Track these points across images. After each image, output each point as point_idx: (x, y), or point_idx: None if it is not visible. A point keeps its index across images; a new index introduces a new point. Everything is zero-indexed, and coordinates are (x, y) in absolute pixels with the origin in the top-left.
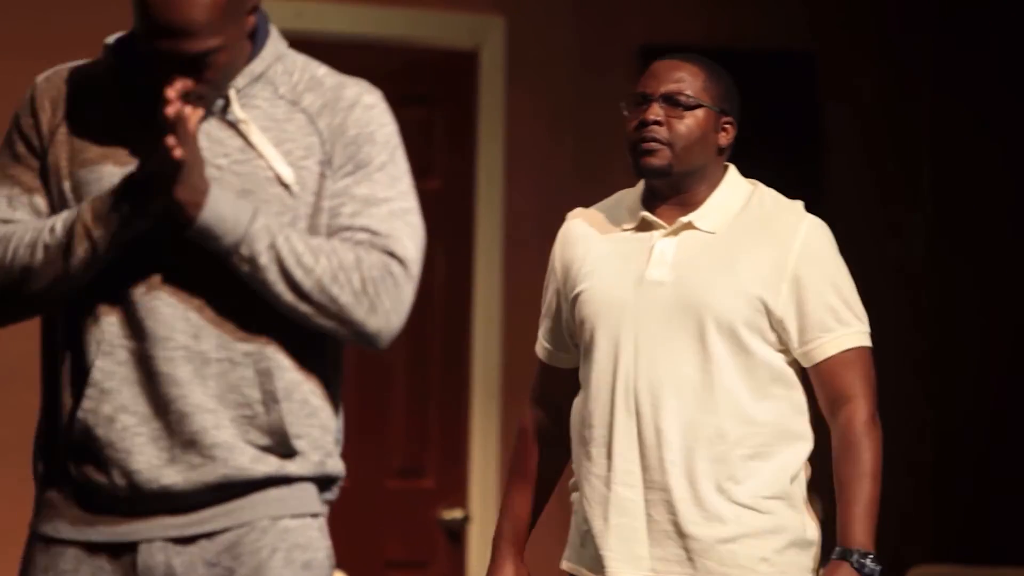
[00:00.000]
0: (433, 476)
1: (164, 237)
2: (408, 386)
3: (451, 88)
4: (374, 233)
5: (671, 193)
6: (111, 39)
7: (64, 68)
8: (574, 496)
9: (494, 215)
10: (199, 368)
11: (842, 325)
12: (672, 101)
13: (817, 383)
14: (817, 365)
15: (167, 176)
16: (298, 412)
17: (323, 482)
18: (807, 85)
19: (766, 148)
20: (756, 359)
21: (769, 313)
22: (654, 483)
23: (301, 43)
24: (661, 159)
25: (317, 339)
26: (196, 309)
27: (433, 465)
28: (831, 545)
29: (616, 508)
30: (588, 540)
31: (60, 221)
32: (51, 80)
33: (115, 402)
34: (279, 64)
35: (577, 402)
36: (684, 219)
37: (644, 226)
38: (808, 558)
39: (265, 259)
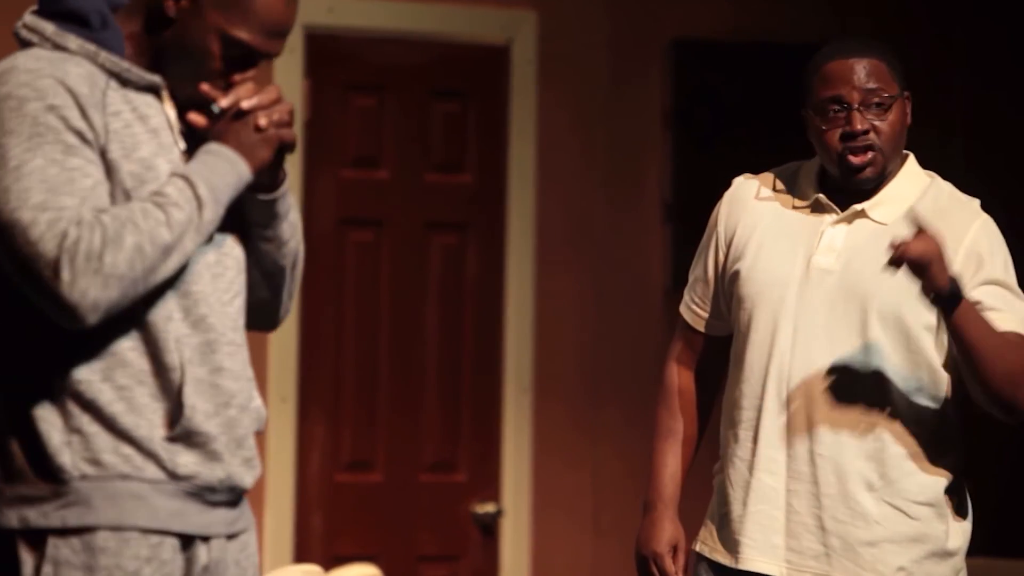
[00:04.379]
0: (465, 470)
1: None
2: (440, 380)
3: (483, 83)
4: None
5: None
6: (84, 43)
7: (79, 59)
8: (716, 480)
9: (526, 209)
10: (243, 362)
11: (1008, 308)
12: (871, 104)
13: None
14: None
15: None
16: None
17: None
18: None
19: (798, 140)
20: (918, 356)
21: (932, 309)
22: (799, 474)
23: (333, 38)
24: (876, 168)
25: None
26: (233, 300)
27: (465, 459)
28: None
29: (756, 495)
30: (726, 523)
31: (176, 193)
32: (75, 74)
33: (198, 399)
34: None
35: (730, 380)
36: (858, 207)
37: (817, 207)
38: (947, 568)
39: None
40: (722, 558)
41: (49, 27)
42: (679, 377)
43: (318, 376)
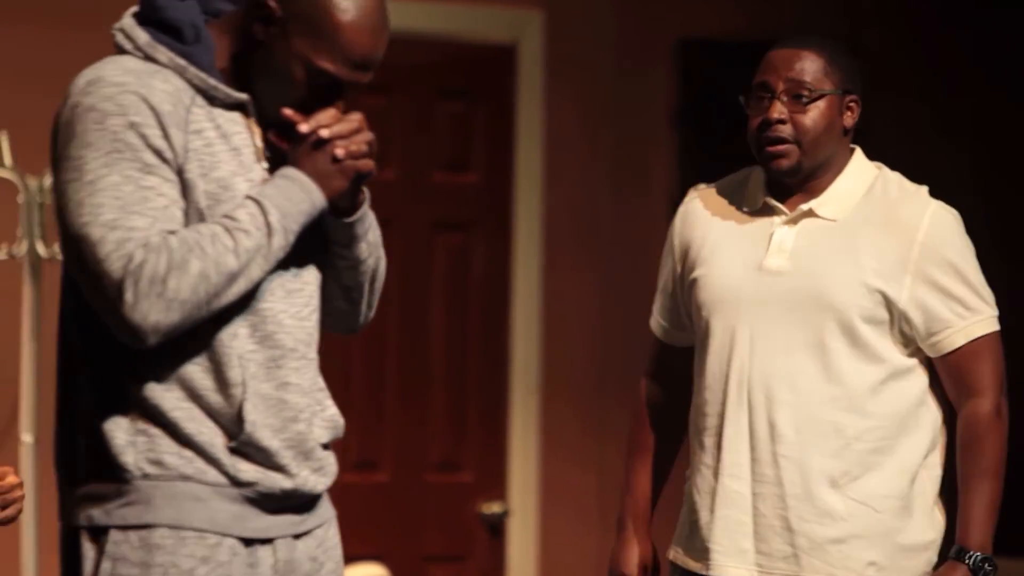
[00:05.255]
0: (472, 470)
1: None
2: (447, 380)
3: (490, 82)
4: None
5: (799, 183)
6: (174, 56)
7: (167, 73)
8: (685, 487)
9: (533, 209)
10: (312, 376)
11: (971, 313)
12: (794, 95)
13: (945, 374)
14: (945, 357)
15: (354, 171)
16: (335, 408)
17: None
18: None
19: None
20: (875, 351)
21: (890, 305)
22: (764, 477)
23: None
24: (790, 160)
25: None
26: (311, 315)
27: (472, 459)
28: (950, 541)
29: (723, 500)
30: (695, 531)
31: (247, 219)
32: (160, 91)
33: (262, 414)
34: None
35: (694, 389)
36: (805, 206)
37: (765, 211)
38: (921, 563)
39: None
40: (693, 565)
41: (143, 36)
42: (652, 392)
43: (325, 375)
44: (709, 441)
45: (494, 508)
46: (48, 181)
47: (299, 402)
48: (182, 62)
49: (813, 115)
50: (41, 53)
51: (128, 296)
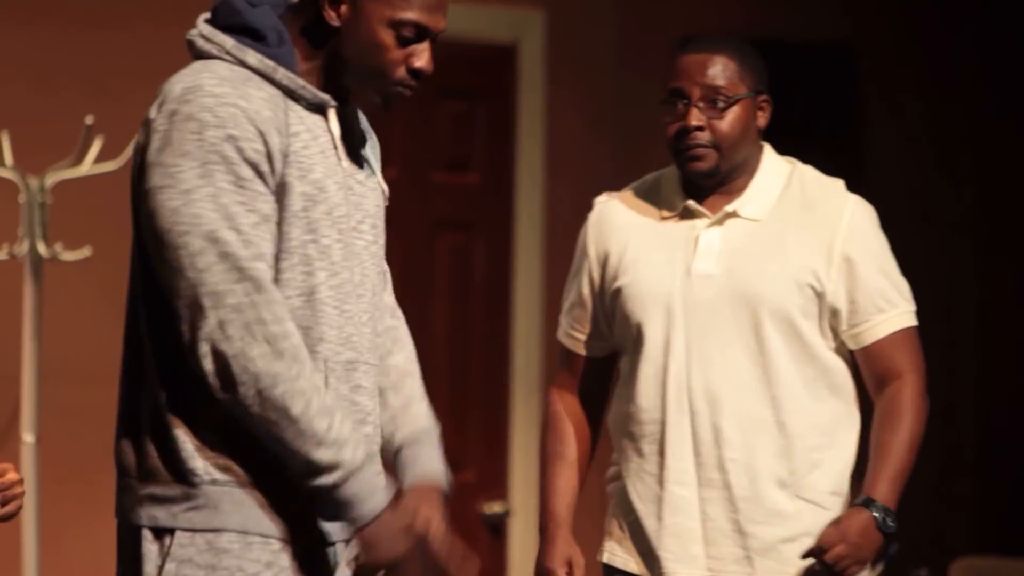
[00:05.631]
0: (474, 469)
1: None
2: (449, 380)
3: (491, 82)
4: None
5: (716, 185)
6: (263, 58)
7: (259, 81)
8: (611, 488)
9: (534, 208)
10: (374, 380)
11: (891, 306)
12: (710, 100)
13: (865, 364)
14: (867, 347)
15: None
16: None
17: None
18: (848, 76)
19: (807, 138)
20: (810, 348)
21: (820, 298)
22: (711, 481)
23: None
24: (708, 162)
25: None
26: (368, 321)
27: (474, 458)
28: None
29: (670, 507)
30: (639, 537)
31: (348, 448)
32: (258, 99)
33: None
34: None
35: (620, 396)
36: (729, 208)
37: (686, 214)
38: None
39: None
40: (638, 570)
41: (229, 41)
42: (563, 402)
43: None
44: (648, 448)
45: (495, 508)
46: (49, 181)
47: (367, 404)
48: (271, 64)
49: (730, 120)
50: (41, 53)
51: (211, 319)
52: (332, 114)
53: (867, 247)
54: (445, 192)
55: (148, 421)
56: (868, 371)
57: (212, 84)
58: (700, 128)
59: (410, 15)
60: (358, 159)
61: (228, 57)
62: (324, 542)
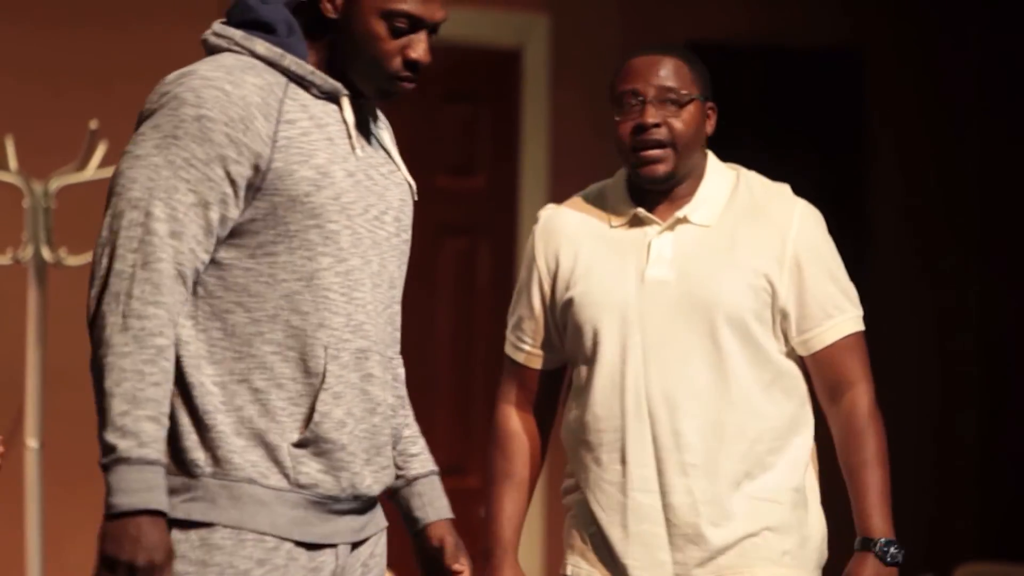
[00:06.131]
0: (478, 474)
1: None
2: (453, 383)
3: (496, 86)
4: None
5: (665, 189)
6: (271, 46)
7: (262, 67)
8: (569, 500)
9: (538, 212)
10: (385, 371)
11: (840, 312)
12: (666, 99)
13: (816, 371)
14: (816, 353)
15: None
16: (400, 421)
17: None
18: (852, 81)
19: (810, 144)
20: (764, 351)
21: (773, 301)
22: (673, 487)
23: None
24: (667, 166)
25: None
26: (384, 311)
27: (478, 463)
28: (850, 534)
29: (635, 515)
30: (603, 547)
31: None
32: (251, 84)
33: (344, 406)
34: None
35: (575, 407)
36: (679, 214)
37: (636, 221)
38: (818, 556)
39: None
40: None
41: (238, 33)
42: (511, 419)
43: None
44: (608, 457)
45: None
46: (53, 185)
47: (379, 395)
48: (278, 51)
49: (685, 118)
50: (46, 57)
51: (99, 278)
52: (346, 103)
53: (816, 253)
54: (450, 196)
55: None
56: (819, 378)
57: (207, 69)
58: (657, 125)
59: (402, 5)
60: (380, 151)
61: (237, 48)
62: (326, 543)
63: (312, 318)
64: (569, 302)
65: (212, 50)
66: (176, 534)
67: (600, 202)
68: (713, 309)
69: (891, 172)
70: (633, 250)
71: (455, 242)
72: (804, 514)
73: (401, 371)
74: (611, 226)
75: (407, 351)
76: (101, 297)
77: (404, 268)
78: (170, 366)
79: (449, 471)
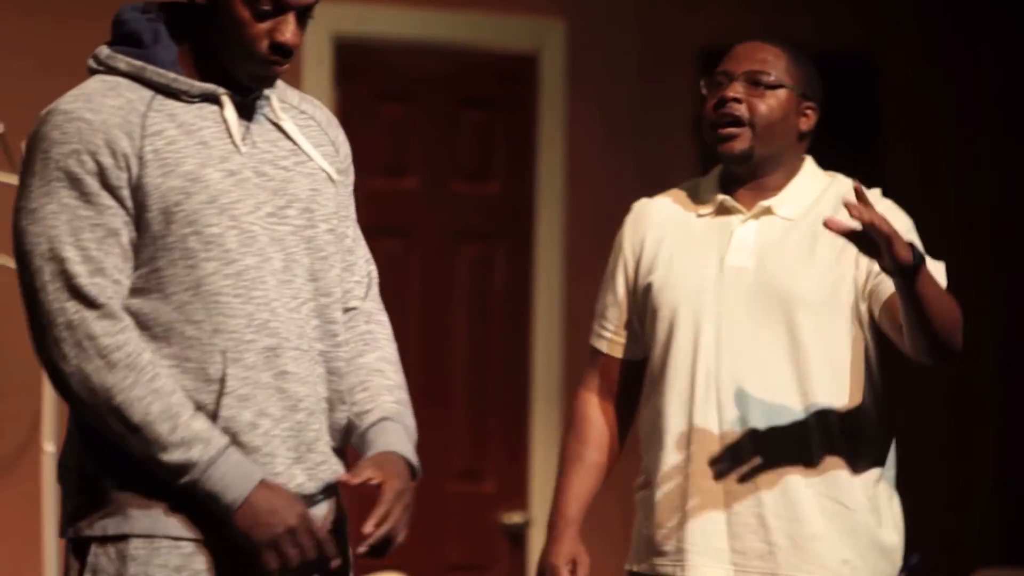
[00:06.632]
0: (494, 479)
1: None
2: (469, 389)
3: (511, 91)
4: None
5: (749, 178)
6: (132, 60)
7: (123, 86)
8: (639, 496)
9: (554, 218)
10: (310, 365)
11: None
12: (754, 80)
13: (890, 315)
14: (889, 299)
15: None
16: (346, 416)
17: None
18: (866, 86)
19: (824, 148)
20: (839, 345)
21: (853, 292)
22: (737, 475)
23: (362, 47)
24: (742, 142)
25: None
26: (300, 307)
27: (494, 468)
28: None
29: (695, 501)
30: (663, 535)
31: (183, 439)
32: (109, 107)
33: (254, 407)
34: None
35: (649, 395)
36: (764, 203)
37: (722, 211)
38: (888, 564)
39: None
40: (664, 568)
41: (104, 51)
42: (589, 405)
43: None
44: (673, 442)
45: (515, 518)
46: None
47: (299, 391)
48: (139, 63)
49: (770, 102)
50: (43, 55)
51: (48, 338)
52: (226, 100)
53: (896, 225)
54: (465, 202)
55: (69, 436)
56: (892, 324)
57: (66, 102)
58: (737, 100)
59: None
60: (283, 142)
61: (101, 68)
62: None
63: (206, 325)
64: (648, 287)
65: (89, 71)
66: (95, 548)
67: (692, 193)
68: (789, 299)
69: (905, 176)
70: (716, 238)
71: (470, 248)
72: (874, 521)
73: (341, 365)
74: (698, 215)
75: (422, 357)
76: (62, 354)
77: (336, 259)
78: (168, 372)
79: (464, 476)
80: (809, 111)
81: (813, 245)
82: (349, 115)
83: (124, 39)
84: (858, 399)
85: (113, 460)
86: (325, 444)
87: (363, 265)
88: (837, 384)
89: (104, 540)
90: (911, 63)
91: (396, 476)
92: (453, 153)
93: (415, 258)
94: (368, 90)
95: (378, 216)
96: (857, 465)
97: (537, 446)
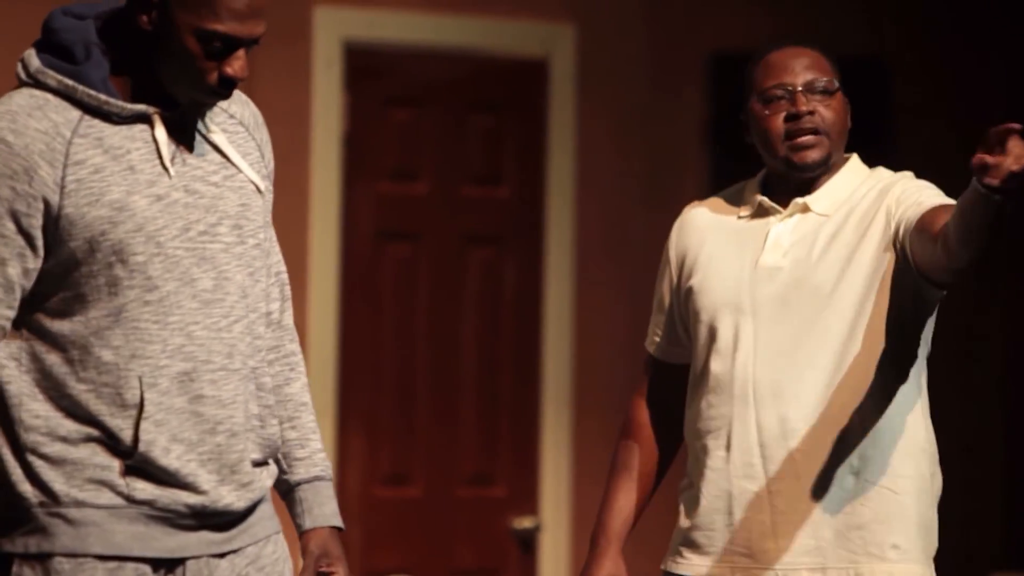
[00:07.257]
0: (504, 484)
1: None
2: (479, 394)
3: (521, 96)
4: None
5: (811, 181)
6: (63, 78)
7: (49, 108)
8: (683, 497)
9: (564, 223)
10: (240, 384)
11: (940, 197)
12: (815, 89)
13: (918, 237)
14: (919, 220)
15: None
16: (278, 428)
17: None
18: (879, 91)
19: None
20: (878, 335)
21: (890, 268)
22: (779, 473)
23: (372, 52)
24: (821, 151)
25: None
26: (231, 326)
27: (504, 473)
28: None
29: (740, 502)
30: (709, 536)
31: None
32: (33, 130)
33: (167, 432)
34: None
35: (692, 399)
36: (800, 201)
37: (760, 212)
38: (934, 542)
39: None
40: (710, 570)
41: (35, 63)
42: (640, 410)
43: (357, 389)
44: (714, 443)
45: (525, 523)
46: None
47: (217, 414)
48: (70, 82)
49: (835, 107)
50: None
51: None
52: (157, 120)
53: (907, 181)
54: (475, 207)
55: None
56: (927, 232)
57: None
58: (811, 113)
59: (218, 26)
60: (213, 157)
61: (30, 81)
62: (176, 556)
63: (124, 351)
64: (689, 291)
65: (17, 79)
66: (17, 565)
67: (736, 196)
68: (822, 294)
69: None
70: (752, 238)
71: (480, 252)
72: (920, 503)
73: (268, 380)
74: (739, 217)
75: (432, 361)
76: None
77: (261, 273)
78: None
79: (475, 481)
80: (848, 107)
81: (847, 239)
82: (359, 120)
83: (55, 50)
84: (897, 383)
85: (32, 475)
86: (248, 464)
87: (277, 269)
88: (874, 374)
89: (28, 557)
90: (924, 68)
91: (340, 559)
92: (463, 158)
93: (425, 263)
94: (378, 95)
95: (388, 221)
96: (898, 447)
97: (547, 450)
